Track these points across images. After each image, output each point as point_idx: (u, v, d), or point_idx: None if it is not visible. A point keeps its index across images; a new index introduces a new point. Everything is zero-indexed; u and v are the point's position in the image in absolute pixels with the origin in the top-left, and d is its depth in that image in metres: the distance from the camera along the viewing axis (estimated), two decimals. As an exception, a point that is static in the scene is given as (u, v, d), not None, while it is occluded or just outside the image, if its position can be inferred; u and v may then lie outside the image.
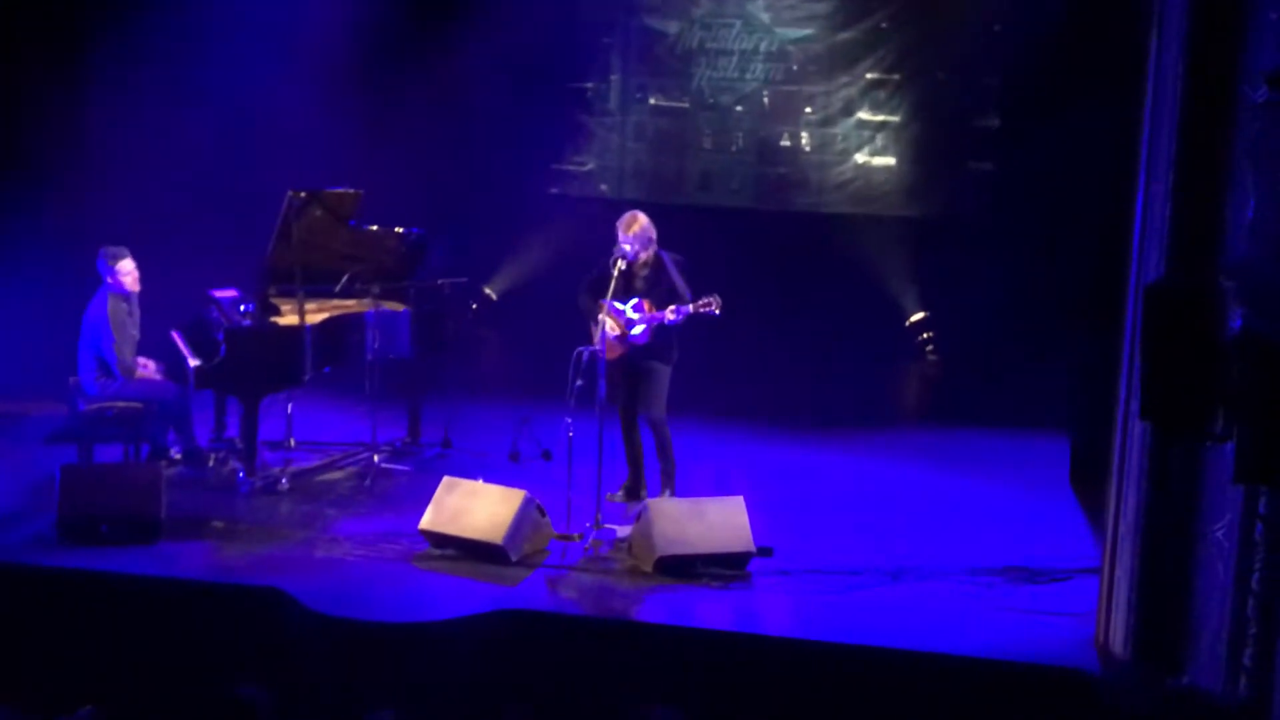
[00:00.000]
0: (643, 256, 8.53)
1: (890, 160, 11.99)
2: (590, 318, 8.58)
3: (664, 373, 8.62)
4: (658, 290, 8.49)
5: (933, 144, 11.82)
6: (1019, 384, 10.48)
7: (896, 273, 11.68)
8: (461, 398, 10.10)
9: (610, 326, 8.53)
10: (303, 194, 8.95)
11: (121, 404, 8.77)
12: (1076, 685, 6.58)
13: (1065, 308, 10.08)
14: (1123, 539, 6.78)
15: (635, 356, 8.59)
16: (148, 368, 9.07)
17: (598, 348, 8.17)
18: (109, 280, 8.88)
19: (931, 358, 11.85)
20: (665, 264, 8.55)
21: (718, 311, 8.30)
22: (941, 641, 6.88)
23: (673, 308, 8.36)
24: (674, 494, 8.61)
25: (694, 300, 8.36)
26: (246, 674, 6.56)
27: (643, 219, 8.55)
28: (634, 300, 8.49)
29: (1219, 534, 6.25)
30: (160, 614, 7.29)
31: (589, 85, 12.33)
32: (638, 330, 8.47)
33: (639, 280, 8.57)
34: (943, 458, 10.26)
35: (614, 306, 8.51)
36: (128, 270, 8.91)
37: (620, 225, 8.54)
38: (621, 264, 8.37)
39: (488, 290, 12.10)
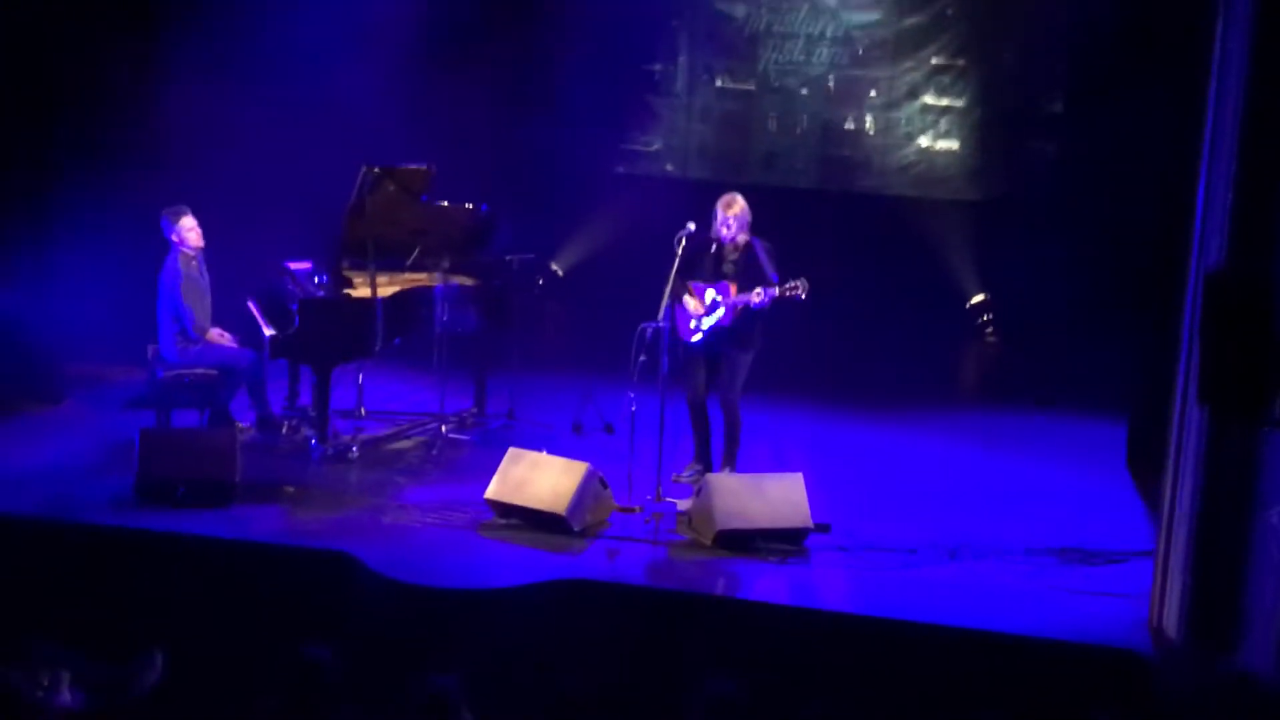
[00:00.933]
0: (739, 239, 8.47)
1: (954, 144, 11.93)
2: (674, 298, 8.40)
3: (746, 361, 8.54)
4: (747, 275, 8.38)
5: (996, 127, 11.77)
6: (1078, 366, 10.41)
7: (958, 255, 11.62)
8: (526, 371, 10.13)
9: (692, 307, 8.48)
10: (377, 169, 9.00)
11: (199, 370, 8.87)
12: (1129, 666, 6.55)
13: (1125, 291, 9.99)
14: (1178, 522, 6.73)
15: (718, 341, 8.53)
16: (224, 337, 9.16)
17: (663, 324, 8.10)
18: (174, 240, 8.98)
19: (991, 339, 11.79)
20: (756, 249, 8.44)
21: (804, 296, 8.16)
22: (996, 619, 6.86)
23: (759, 290, 8.22)
24: (734, 470, 8.60)
25: (780, 283, 8.27)
26: (314, 634, 6.64)
27: (742, 200, 8.43)
28: (720, 283, 8.45)
29: (1275, 518, 6.19)
30: (232, 574, 7.39)
31: (657, 67, 12.34)
32: (716, 316, 8.40)
33: (728, 263, 8.48)
34: (1000, 438, 10.21)
35: (698, 287, 8.47)
36: (190, 226, 9.00)
37: (720, 204, 8.44)
38: (685, 242, 8.29)
39: (554, 266, 12.14)
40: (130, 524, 7.68)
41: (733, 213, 8.41)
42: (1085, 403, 10.48)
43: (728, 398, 8.60)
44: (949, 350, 11.68)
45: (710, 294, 8.40)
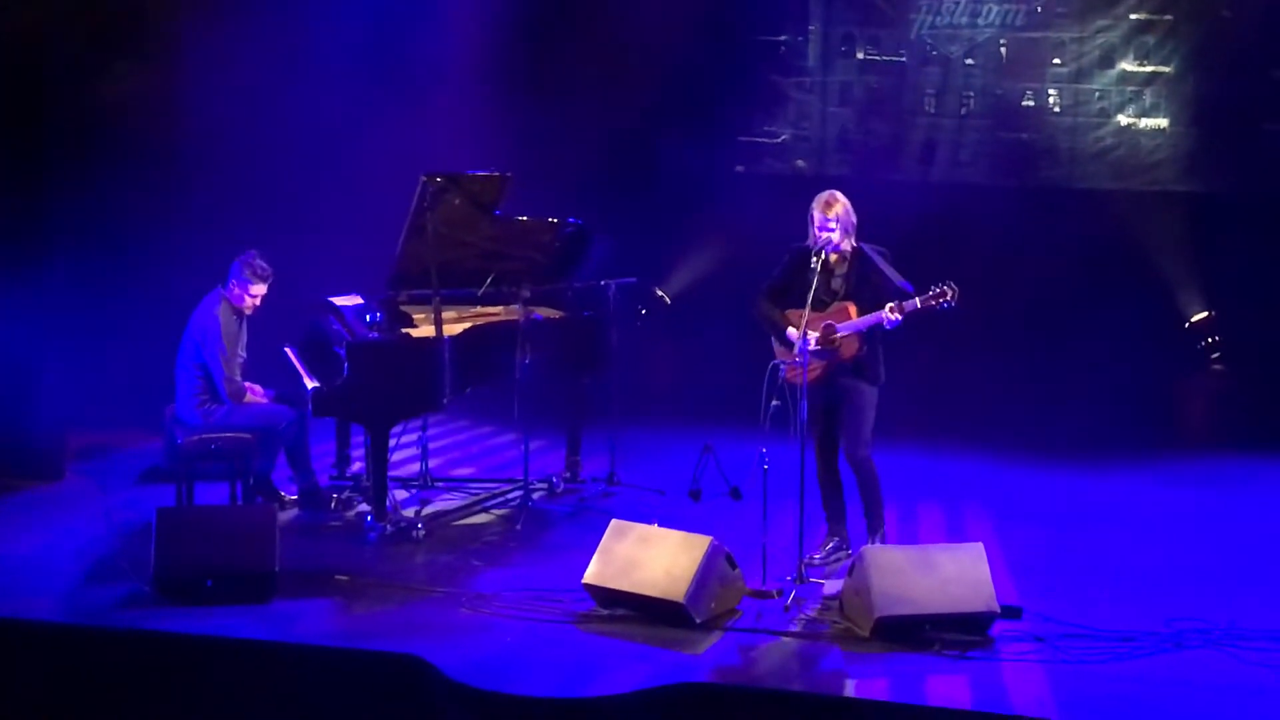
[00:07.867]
0: (844, 247, 8.46)
1: (1162, 122, 11.84)
2: (773, 332, 8.45)
3: (870, 396, 8.51)
4: (864, 290, 8.38)
5: (1217, 101, 11.65)
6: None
7: (1173, 262, 11.53)
8: (630, 424, 10.16)
9: (796, 337, 8.43)
10: (439, 178, 9.06)
11: (227, 435, 8.97)
12: None
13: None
14: None
15: (835, 373, 8.51)
16: (255, 392, 9.27)
17: (782, 364, 8.07)
18: (230, 285, 9.12)
19: (1217, 368, 11.64)
20: (869, 258, 8.43)
21: (954, 303, 8.13)
22: (1237, 725, 6.73)
23: (891, 305, 8.18)
24: (884, 541, 8.53)
25: (919, 293, 8.21)
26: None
27: (843, 199, 8.44)
28: (834, 307, 8.42)
29: None
30: (276, 685, 7.44)
31: (783, 39, 12.38)
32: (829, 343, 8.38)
33: (836, 279, 8.49)
34: (1232, 490, 10.10)
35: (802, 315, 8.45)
36: (257, 293, 9.16)
37: (817, 205, 8.44)
38: (818, 258, 8.25)
39: (660, 292, 12.18)
40: (149, 626, 7.75)
41: (833, 214, 8.38)
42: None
43: (856, 453, 8.53)
44: (1164, 383, 11.54)
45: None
